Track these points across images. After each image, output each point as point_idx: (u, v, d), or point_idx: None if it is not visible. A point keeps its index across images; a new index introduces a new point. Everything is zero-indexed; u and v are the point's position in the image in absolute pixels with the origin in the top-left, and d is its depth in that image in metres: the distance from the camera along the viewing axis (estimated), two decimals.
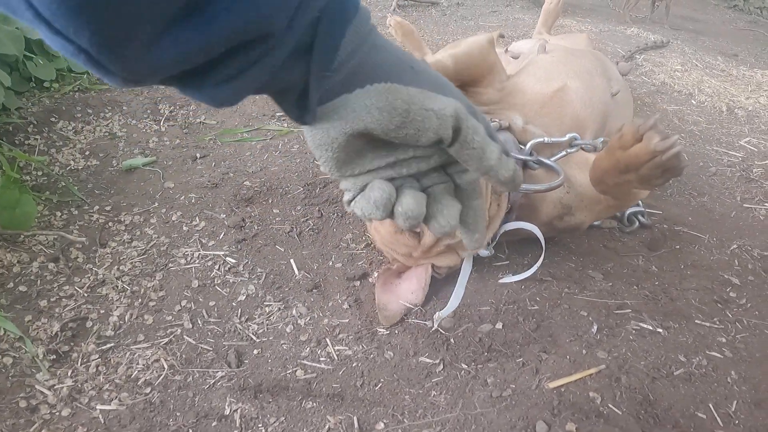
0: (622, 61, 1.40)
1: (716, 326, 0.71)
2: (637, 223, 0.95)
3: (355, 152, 0.31)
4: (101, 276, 0.79)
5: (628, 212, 0.94)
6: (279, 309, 0.72)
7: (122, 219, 0.90)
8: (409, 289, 0.71)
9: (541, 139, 0.74)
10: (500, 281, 0.73)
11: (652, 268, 0.84)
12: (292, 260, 0.80)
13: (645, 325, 0.68)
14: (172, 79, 0.23)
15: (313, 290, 0.75)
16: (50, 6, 0.17)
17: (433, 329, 0.66)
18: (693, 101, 1.48)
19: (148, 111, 1.21)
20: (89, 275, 0.80)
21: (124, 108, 1.21)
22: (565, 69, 0.87)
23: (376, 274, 0.75)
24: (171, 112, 1.21)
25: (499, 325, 0.65)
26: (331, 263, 0.80)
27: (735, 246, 0.92)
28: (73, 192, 0.95)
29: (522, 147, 0.74)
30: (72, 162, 1.03)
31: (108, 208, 0.93)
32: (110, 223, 0.90)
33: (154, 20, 0.19)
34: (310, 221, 0.89)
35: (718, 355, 0.66)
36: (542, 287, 0.73)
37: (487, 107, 0.80)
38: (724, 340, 0.69)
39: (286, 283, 0.76)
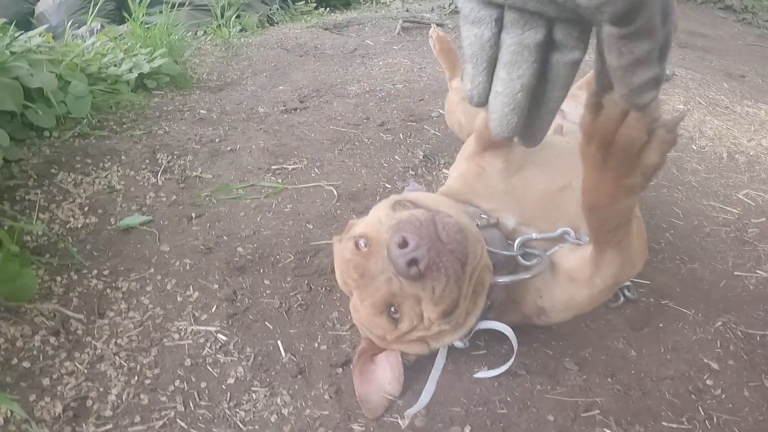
0: None
1: (683, 428, 0.72)
2: (623, 298, 0.95)
3: None
4: (100, 351, 0.83)
5: None
6: (265, 396, 0.75)
7: (119, 285, 0.94)
8: (386, 379, 0.74)
9: (530, 236, 0.75)
10: (475, 376, 0.75)
11: (631, 353, 0.85)
12: (279, 342, 0.83)
13: None
14: None
15: (298, 376, 0.78)
16: None
17: (404, 429, 0.69)
18: (693, 146, 1.45)
19: (147, 161, 1.23)
20: (88, 349, 0.84)
21: (123, 157, 1.23)
22: (576, 162, 0.85)
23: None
24: (169, 162, 1.23)
25: (467, 429, 0.68)
26: (316, 345, 0.83)
27: (720, 323, 0.93)
28: (73, 255, 0.98)
29: (510, 243, 0.75)
30: (71, 219, 1.07)
31: (106, 273, 0.96)
32: (108, 290, 0.93)
33: None
34: (299, 295, 0.92)
35: None
36: (515, 384, 0.75)
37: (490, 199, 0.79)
38: None
39: (273, 366, 0.80)
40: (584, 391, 0.75)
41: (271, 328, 0.86)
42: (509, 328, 0.70)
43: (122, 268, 0.97)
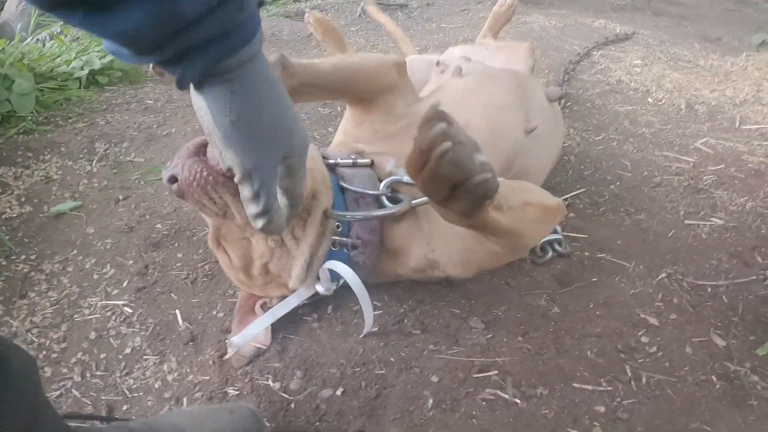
0: (553, 85, 1.28)
1: (600, 389, 0.63)
2: (551, 252, 0.89)
3: None
4: (14, 329, 0.84)
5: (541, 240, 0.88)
6: (154, 363, 0.74)
7: (44, 268, 0.95)
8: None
9: (399, 178, 0.71)
10: (360, 336, 0.71)
11: (554, 309, 0.77)
12: (178, 311, 0.81)
13: (502, 394, 0.61)
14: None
15: (189, 343, 0.76)
16: None
17: (227, 358, 0.68)
18: (649, 99, 1.35)
19: (85, 150, 1.25)
20: (4, 328, 0.85)
21: (62, 149, 1.25)
22: (473, 101, 0.80)
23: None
24: (105, 150, 1.25)
25: (339, 391, 0.63)
26: (215, 313, 0.81)
27: (664, 275, 0.84)
28: (4, 242, 1.00)
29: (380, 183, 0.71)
30: (8, 209, 1.09)
31: (33, 257, 0.97)
32: (33, 273, 0.94)
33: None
34: (206, 266, 0.90)
35: None
36: (405, 343, 0.69)
37: (373, 143, 0.76)
38: (602, 409, 0.60)
39: (169, 335, 0.78)
40: (485, 352, 0.68)
41: (176, 298, 0.84)
42: (354, 275, 0.64)
43: (48, 252, 0.98)
